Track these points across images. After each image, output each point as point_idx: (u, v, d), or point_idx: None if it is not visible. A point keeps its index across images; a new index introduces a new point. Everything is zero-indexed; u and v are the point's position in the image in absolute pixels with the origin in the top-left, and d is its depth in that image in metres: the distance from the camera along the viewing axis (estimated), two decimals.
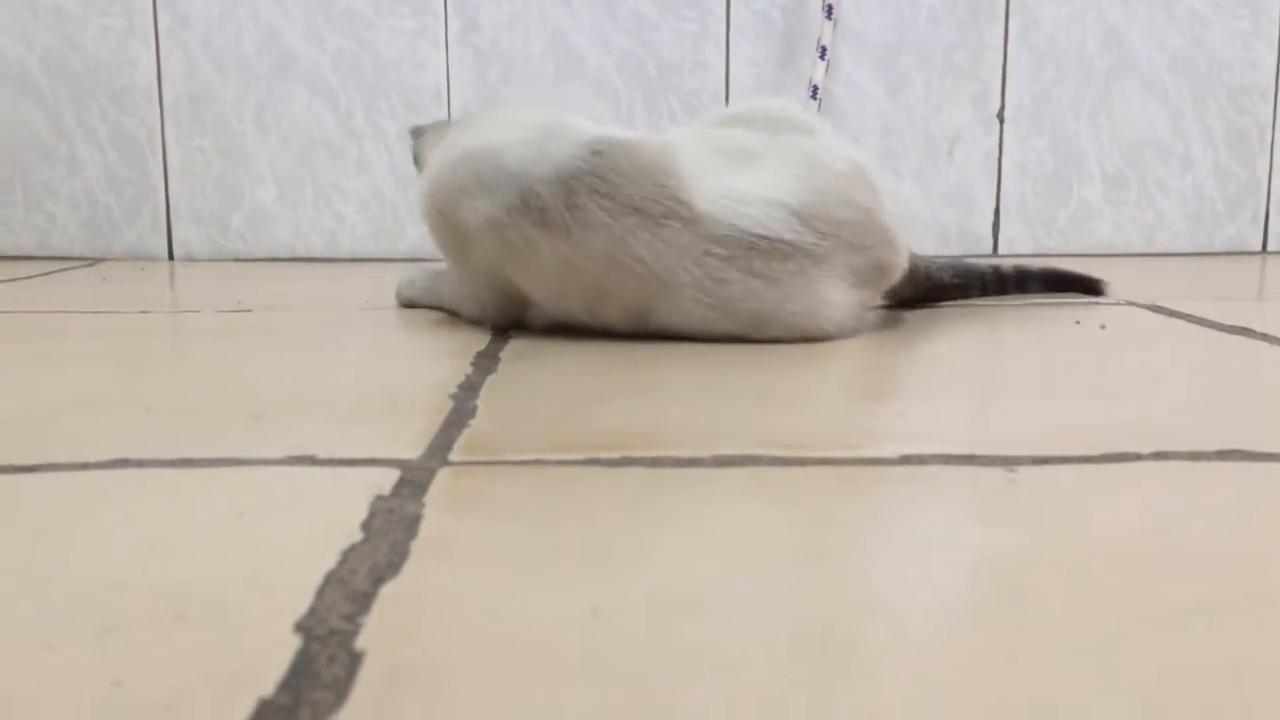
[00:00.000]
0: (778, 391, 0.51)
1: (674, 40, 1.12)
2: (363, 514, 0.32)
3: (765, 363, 0.56)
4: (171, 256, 1.14)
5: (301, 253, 1.14)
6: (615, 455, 0.39)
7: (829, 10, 1.08)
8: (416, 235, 1.14)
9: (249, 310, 0.76)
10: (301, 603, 0.26)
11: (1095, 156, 1.17)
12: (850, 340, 0.63)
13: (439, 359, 0.58)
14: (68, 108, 1.11)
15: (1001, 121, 1.16)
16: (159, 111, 1.12)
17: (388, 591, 0.27)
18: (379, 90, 1.12)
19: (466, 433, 0.42)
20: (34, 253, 1.13)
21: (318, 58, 1.11)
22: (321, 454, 0.39)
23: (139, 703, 0.21)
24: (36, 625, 0.25)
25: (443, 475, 0.36)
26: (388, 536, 0.30)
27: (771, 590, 0.27)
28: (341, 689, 0.22)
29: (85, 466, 0.38)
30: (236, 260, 1.13)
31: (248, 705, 0.21)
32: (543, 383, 0.53)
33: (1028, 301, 0.79)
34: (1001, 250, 1.17)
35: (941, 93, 1.15)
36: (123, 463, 0.38)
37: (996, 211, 1.17)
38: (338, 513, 0.32)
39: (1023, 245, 1.18)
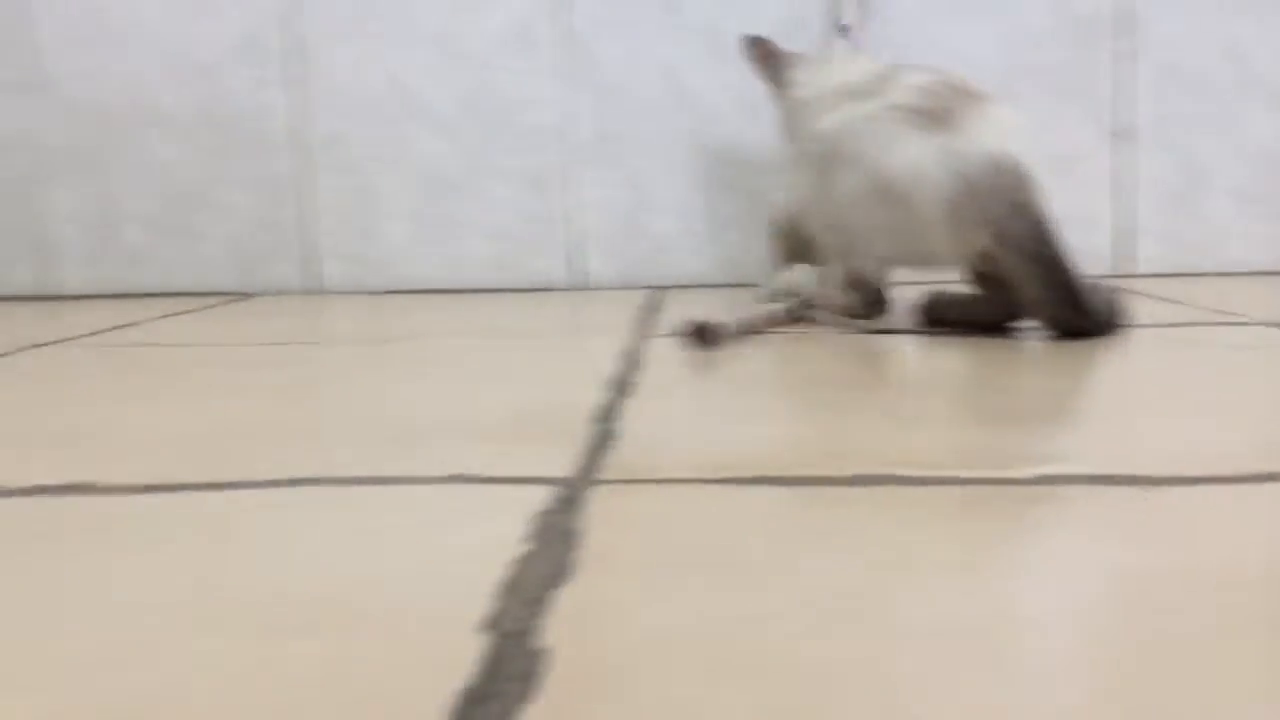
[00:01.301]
0: (905, 411, 0.52)
1: None
2: (523, 528, 0.35)
3: (888, 385, 0.57)
4: (314, 290, 1.20)
5: (432, 284, 1.19)
6: (752, 475, 0.41)
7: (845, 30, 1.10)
8: (543, 266, 1.18)
9: (391, 341, 0.80)
10: (480, 606, 0.28)
11: (1223, 172, 1.15)
12: (978, 361, 0.64)
13: (573, 383, 0.61)
14: (217, 154, 1.18)
15: (1121, 139, 1.14)
16: (298, 155, 1.18)
17: (563, 598, 0.29)
18: (498, 129, 1.17)
19: (612, 455, 0.44)
20: (190, 289, 1.20)
21: (442, 99, 1.16)
22: (479, 473, 0.42)
23: (352, 688, 0.24)
24: (250, 623, 0.28)
25: (597, 493, 0.39)
26: (553, 549, 0.33)
27: (918, 602, 0.28)
28: (530, 682, 0.24)
29: (263, 485, 0.41)
30: (372, 293, 1.19)
31: (449, 693, 0.23)
32: (678, 408, 0.55)
33: (1161, 321, 0.78)
34: (1128, 269, 1.16)
35: (1054, 112, 1.14)
36: (298, 481, 0.41)
37: (1120, 229, 1.16)
38: (499, 526, 0.35)
39: (1150, 264, 1.16)
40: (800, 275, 0.89)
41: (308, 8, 1.16)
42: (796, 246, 0.95)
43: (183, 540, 0.35)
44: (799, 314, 0.83)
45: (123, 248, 1.20)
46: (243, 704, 0.23)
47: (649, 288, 1.18)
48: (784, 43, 0.96)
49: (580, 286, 1.19)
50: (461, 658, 0.25)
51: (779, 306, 0.83)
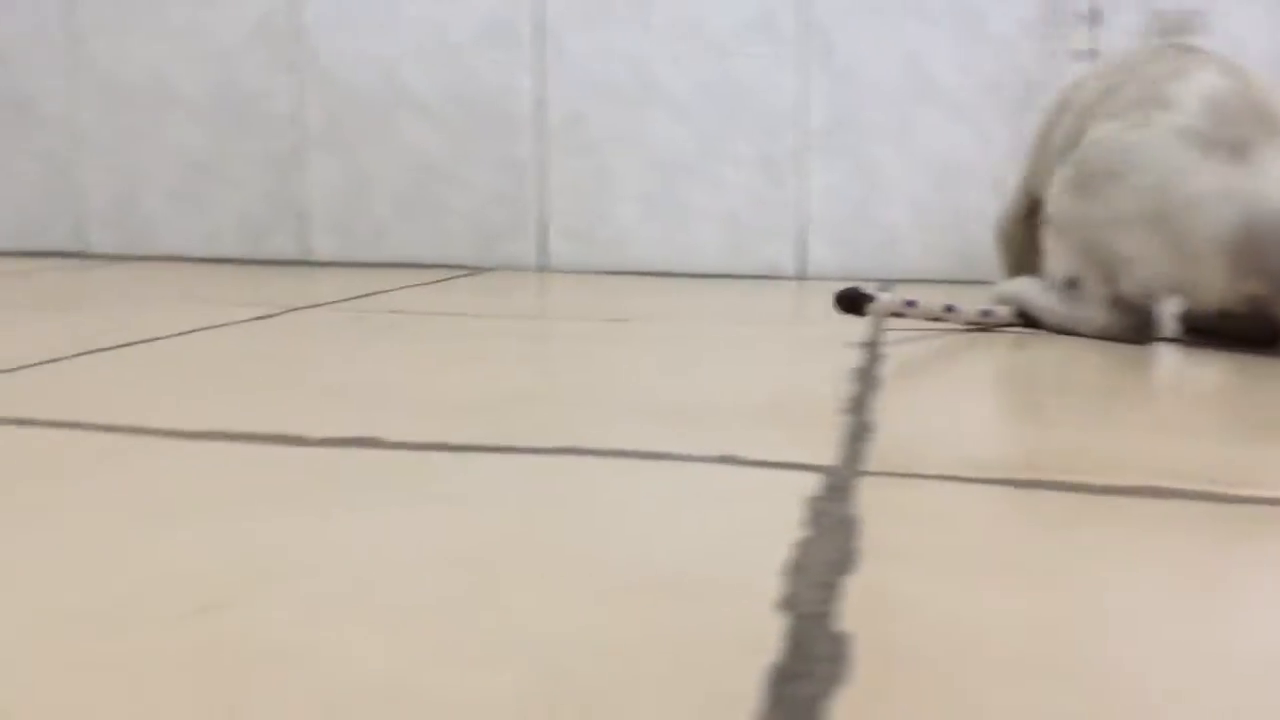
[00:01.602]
0: (1174, 423, 0.49)
1: (1041, 59, 1.10)
2: (797, 513, 0.35)
3: (1145, 393, 0.55)
4: (546, 268, 1.24)
5: (659, 267, 1.21)
6: (1025, 477, 0.39)
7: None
8: (771, 253, 1.18)
9: (628, 320, 0.82)
10: (771, 586, 0.29)
11: None
12: (1239, 375, 0.60)
13: (815, 372, 0.61)
14: (462, 134, 1.24)
15: None
16: (538, 135, 1.22)
17: (852, 585, 0.29)
18: (734, 114, 1.17)
19: (873, 445, 0.44)
20: (430, 261, 1.26)
21: (680, 84, 1.18)
22: (744, 455, 0.42)
23: (667, 658, 0.25)
24: (558, 586, 0.29)
25: (864, 484, 0.38)
26: (832, 536, 0.33)
27: (1198, 617, 0.27)
28: (838, 665, 0.24)
29: (539, 451, 0.43)
30: (601, 273, 1.21)
31: (760, 668, 0.24)
32: (927, 403, 0.54)
33: None
34: None
35: None
36: (571, 450, 0.43)
37: None
38: (773, 510, 0.35)
39: None
40: (1023, 285, 0.84)
41: None
42: (1022, 253, 0.92)
43: (474, 501, 0.36)
44: (1003, 322, 0.80)
45: (371, 220, 1.27)
46: (563, 668, 0.25)
47: (875, 280, 1.16)
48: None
49: (805, 275, 1.18)
50: (765, 635, 0.26)
51: (948, 302, 0.79)
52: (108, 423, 0.46)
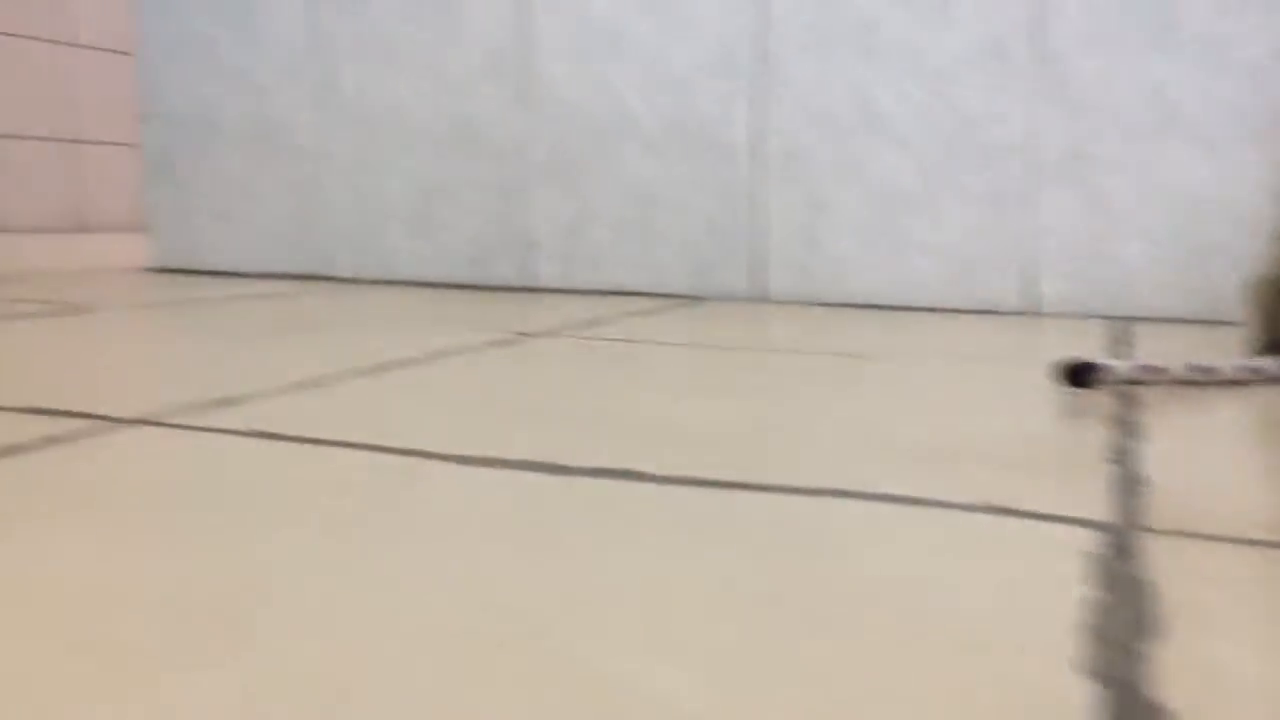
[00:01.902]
0: None
1: None
2: (1080, 569, 0.34)
3: None
4: (759, 298, 1.24)
5: (876, 299, 1.19)
6: None
7: None
8: (995, 287, 1.15)
9: (856, 355, 0.81)
10: (1066, 646, 0.28)
11: None
12: None
13: (1063, 414, 0.59)
14: (680, 162, 1.26)
15: None
16: (755, 164, 1.22)
17: (1164, 653, 0.28)
18: (958, 145, 1.14)
19: (1147, 499, 0.42)
20: (645, 289, 1.29)
21: (901, 114, 1.16)
22: (1013, 505, 0.41)
23: (976, 715, 0.24)
24: (839, 631, 0.29)
25: (1149, 542, 0.37)
26: (1126, 597, 0.32)
27: None
28: None
29: (800, 491, 0.43)
30: (816, 304, 1.21)
31: None
32: (1198, 455, 0.51)
33: None
34: None
35: None
36: (833, 493, 0.43)
37: None
38: (1052, 565, 0.34)
39: None
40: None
41: (776, 23, 1.20)
42: (1274, 314, 0.85)
43: (750, 541, 0.37)
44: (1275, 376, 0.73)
45: (591, 248, 1.31)
46: (884, 714, 0.25)
47: (1107, 318, 1.11)
48: (1276, 64, 0.86)
49: (1031, 311, 1.14)
50: (1072, 700, 0.25)
51: (1201, 362, 0.73)
52: (389, 445, 0.49)
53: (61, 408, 0.56)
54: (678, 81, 1.25)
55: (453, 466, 0.45)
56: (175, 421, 0.53)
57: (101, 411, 0.55)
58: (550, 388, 0.65)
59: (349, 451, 0.48)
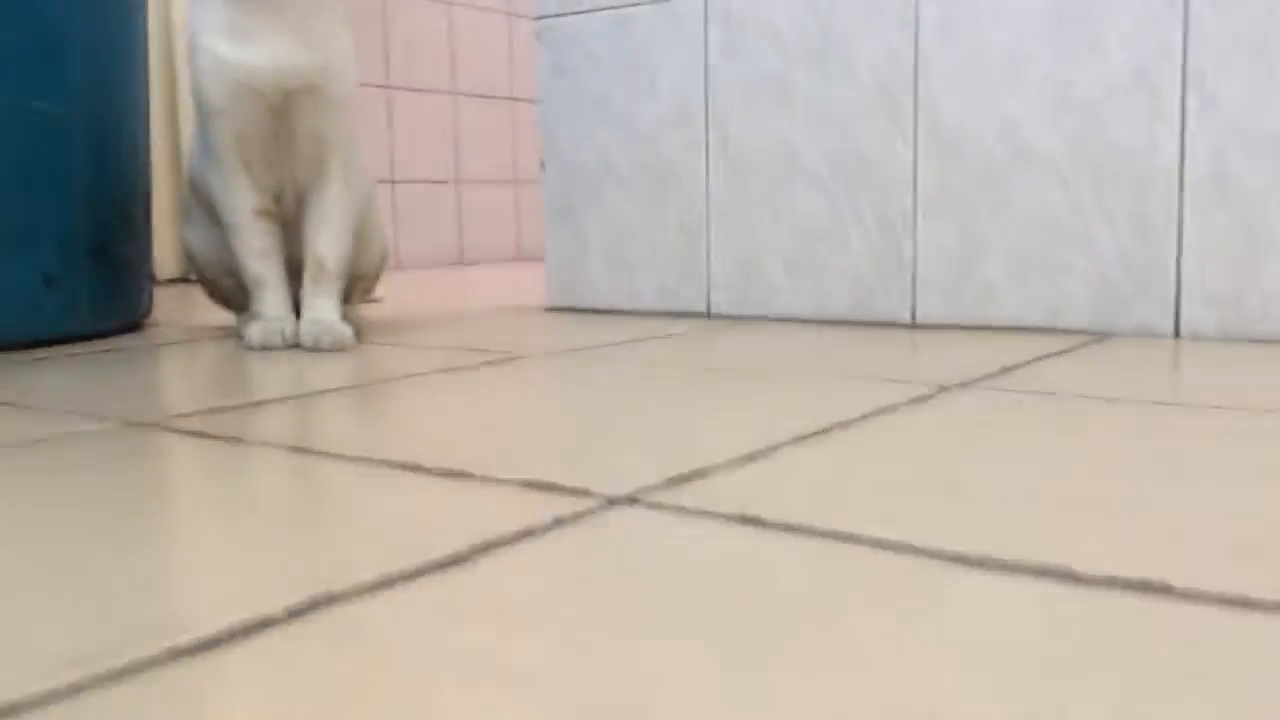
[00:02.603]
0: None
1: None
2: None
3: None
4: (1177, 334, 1.14)
5: None
6: None
7: None
8: None
9: None
10: None
11: None
12: None
13: None
14: (1090, 194, 1.18)
15: None
16: (1178, 192, 1.13)
17: None
18: None
19: None
20: (1041, 325, 1.22)
21: None
22: None
23: None
24: None
25: None
26: None
27: None
28: None
29: None
30: (1247, 341, 1.10)
31: None
32: None
33: None
34: None
35: None
36: None
37: None
38: None
39: None
40: None
41: (1194, 40, 1.10)
42: None
43: None
44: None
45: (980, 283, 1.26)
46: None
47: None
48: None
49: None
50: None
51: None
52: (881, 537, 0.49)
53: (551, 480, 0.60)
54: (1084, 108, 1.18)
55: (942, 568, 0.44)
56: (655, 501, 0.56)
57: (586, 486, 0.59)
58: (1007, 460, 0.63)
59: (850, 548, 0.47)
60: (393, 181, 2.61)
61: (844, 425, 0.73)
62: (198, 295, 1.31)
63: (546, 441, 0.70)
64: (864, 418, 0.76)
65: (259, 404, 0.86)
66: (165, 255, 2.15)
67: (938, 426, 0.73)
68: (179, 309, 1.69)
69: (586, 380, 0.95)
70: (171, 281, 2.20)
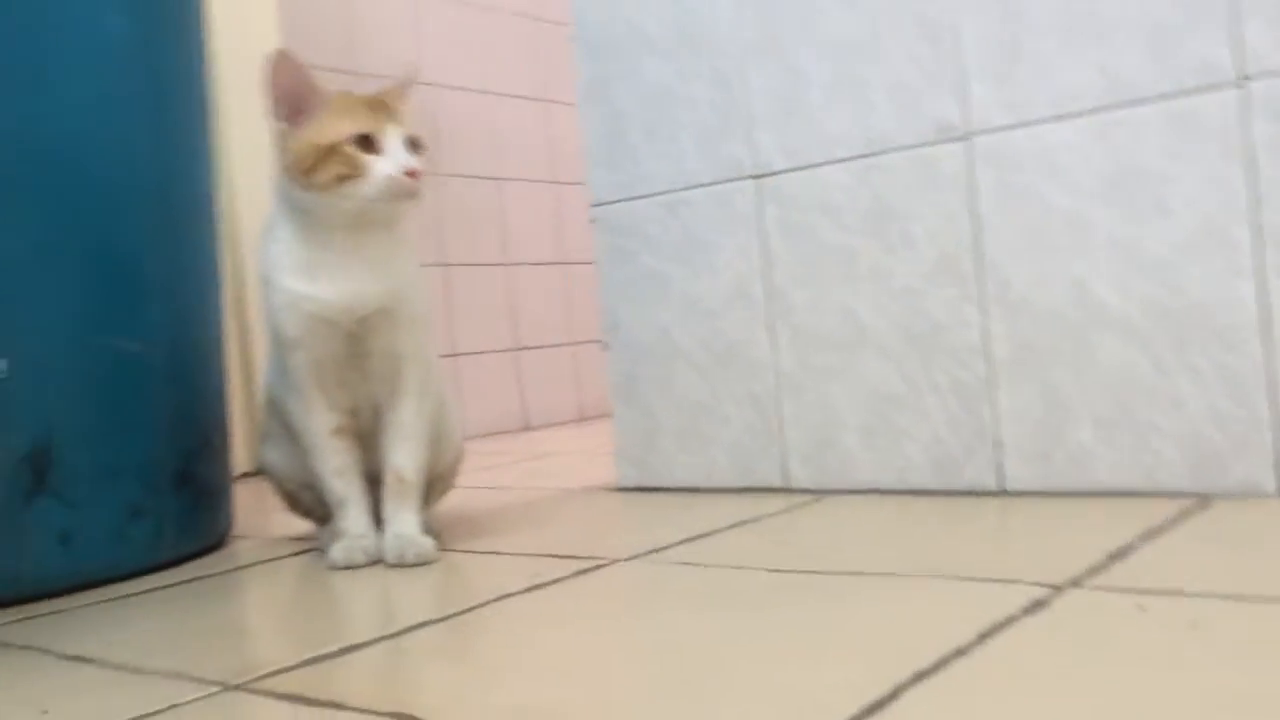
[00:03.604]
0: None
1: None
2: None
3: None
4: None
5: None
6: None
7: None
8: None
9: None
10: None
11: None
12: None
13: None
14: (1171, 351, 1.16)
15: None
16: (1266, 343, 1.10)
17: None
18: None
19: None
20: (1138, 488, 1.18)
21: None
22: None
23: None
24: None
25: None
26: None
27: None
28: None
29: None
30: None
31: None
32: None
33: None
34: None
35: None
36: None
37: None
38: None
39: None
40: None
41: (1265, 192, 1.09)
42: None
43: None
44: None
45: (1068, 446, 1.23)
46: None
47: None
48: None
49: None
50: None
51: None
52: None
53: None
54: (1155, 266, 1.16)
55: None
56: None
57: None
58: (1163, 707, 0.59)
59: None
60: (454, 354, 2.65)
61: (963, 652, 0.70)
62: (269, 491, 1.32)
63: (655, 690, 0.68)
64: (981, 639, 0.72)
65: (352, 649, 0.85)
66: (238, 452, 2.18)
67: (1063, 649, 0.69)
68: (256, 509, 1.70)
69: (678, 598, 0.93)
70: (244, 476, 2.22)
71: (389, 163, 1.11)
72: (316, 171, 1.10)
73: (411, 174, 1.12)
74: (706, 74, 1.49)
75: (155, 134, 1.29)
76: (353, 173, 1.10)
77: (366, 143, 1.11)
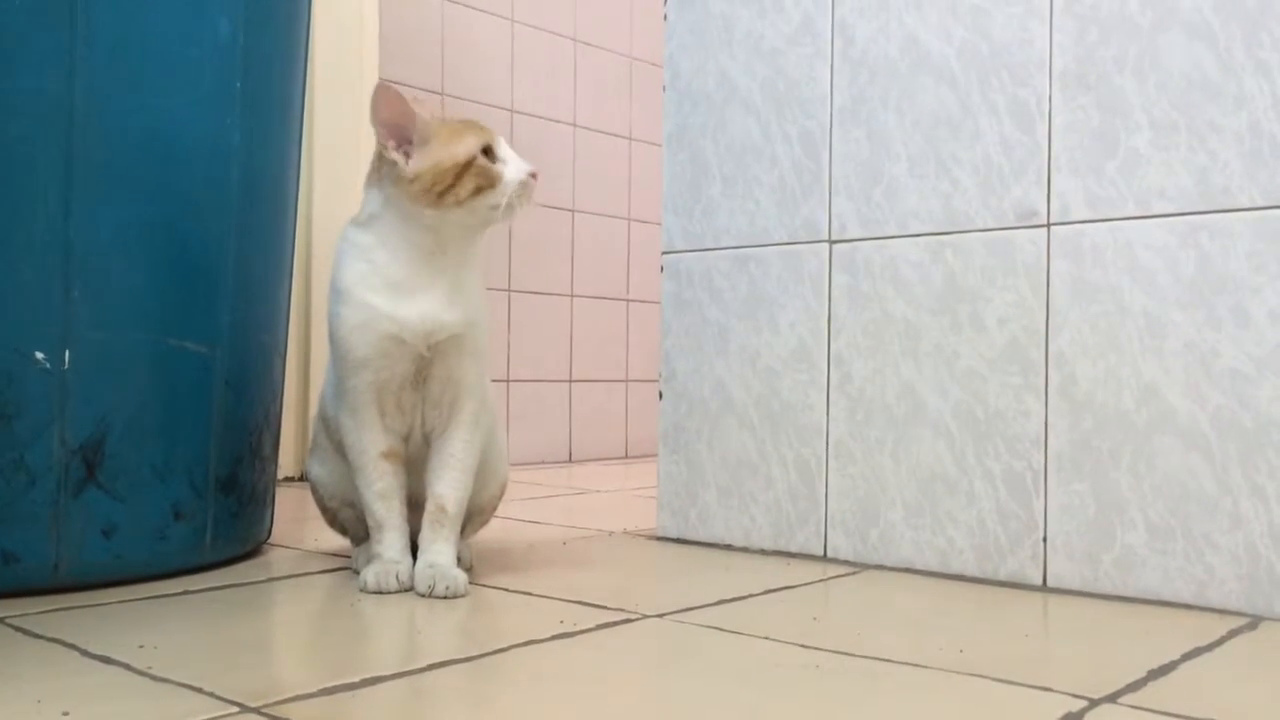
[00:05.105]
0: None
1: None
2: None
3: None
4: None
5: None
6: None
7: None
8: None
9: None
10: None
11: None
12: None
13: None
14: (1237, 465, 1.12)
15: None
16: None
17: None
18: None
19: None
20: (1190, 602, 1.15)
21: None
22: None
23: None
24: None
25: None
26: None
27: None
28: None
29: None
30: None
31: None
32: None
33: None
34: None
35: None
36: None
37: None
38: None
39: None
40: None
41: None
42: None
43: None
44: None
45: (1118, 549, 1.20)
46: None
47: None
48: None
49: None
50: None
51: None
52: None
53: None
54: (1231, 377, 1.13)
55: None
56: None
57: None
58: None
59: None
60: (508, 381, 2.66)
61: None
62: (311, 499, 1.33)
63: None
64: None
65: (373, 682, 0.84)
66: (285, 456, 2.20)
67: None
68: (295, 516, 1.71)
69: (703, 668, 0.92)
70: (288, 480, 2.24)
71: (513, 169, 1.17)
72: (456, 187, 1.14)
73: (534, 175, 1.18)
74: (793, 134, 1.48)
75: (248, 137, 1.31)
76: (489, 183, 1.15)
77: (490, 155, 1.17)
